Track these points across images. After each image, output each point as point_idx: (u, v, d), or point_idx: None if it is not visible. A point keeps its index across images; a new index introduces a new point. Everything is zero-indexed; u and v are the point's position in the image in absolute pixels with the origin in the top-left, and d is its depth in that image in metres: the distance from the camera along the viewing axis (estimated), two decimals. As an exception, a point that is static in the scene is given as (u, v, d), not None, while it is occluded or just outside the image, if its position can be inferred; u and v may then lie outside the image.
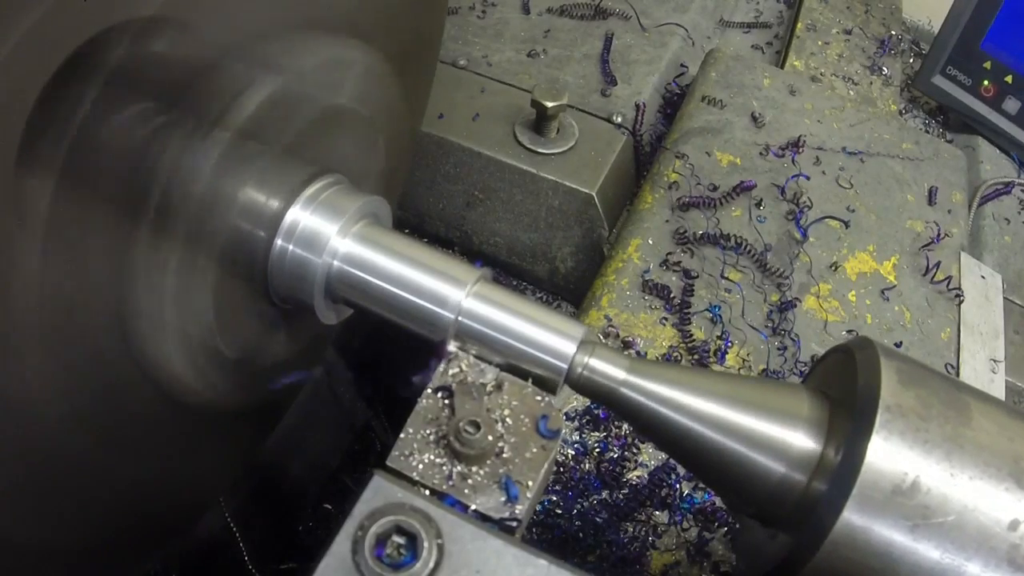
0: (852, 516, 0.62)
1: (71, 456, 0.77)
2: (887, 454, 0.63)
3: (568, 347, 0.74)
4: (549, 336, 0.75)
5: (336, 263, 0.81)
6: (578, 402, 1.13)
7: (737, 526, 1.06)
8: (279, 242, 0.82)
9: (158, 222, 0.72)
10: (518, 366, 0.75)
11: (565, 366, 0.74)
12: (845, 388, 0.71)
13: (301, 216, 0.82)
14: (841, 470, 0.64)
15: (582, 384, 0.74)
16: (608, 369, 0.73)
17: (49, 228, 0.65)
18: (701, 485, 1.09)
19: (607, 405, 0.75)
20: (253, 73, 0.78)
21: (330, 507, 1.44)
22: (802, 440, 0.69)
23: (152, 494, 0.92)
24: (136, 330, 0.76)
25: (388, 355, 1.52)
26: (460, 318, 0.76)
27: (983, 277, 1.46)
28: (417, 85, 1.24)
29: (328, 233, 0.81)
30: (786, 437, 0.69)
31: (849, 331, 1.28)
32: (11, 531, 0.74)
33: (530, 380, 0.73)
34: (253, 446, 1.20)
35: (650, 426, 0.73)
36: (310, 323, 0.96)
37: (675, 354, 1.21)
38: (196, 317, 0.80)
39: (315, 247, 0.81)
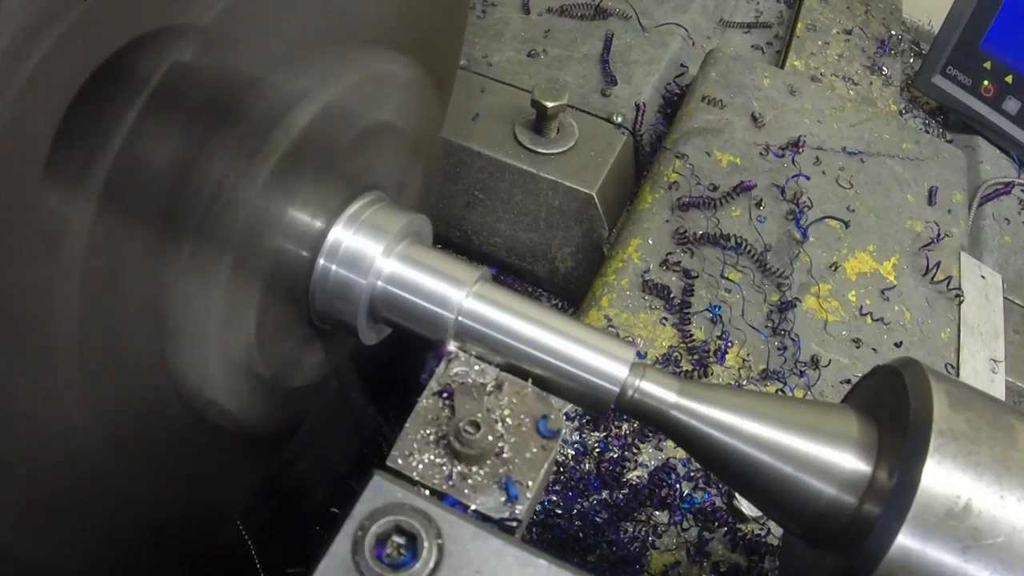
0: (906, 540, 0.63)
1: (100, 478, 0.76)
2: (941, 478, 0.63)
3: (620, 370, 0.74)
4: (601, 359, 0.74)
5: (380, 284, 0.80)
6: (578, 402, 1.13)
7: (737, 525, 1.06)
8: (322, 262, 0.81)
9: (202, 244, 0.71)
10: (519, 366, 0.75)
11: (617, 389, 0.74)
12: (893, 410, 0.71)
13: (344, 236, 0.81)
14: (895, 494, 0.65)
15: (632, 406, 0.74)
16: (659, 392, 0.74)
17: (89, 252, 0.63)
18: (701, 485, 1.09)
19: (656, 427, 0.76)
20: (299, 90, 0.76)
21: (337, 511, 1.44)
22: (852, 462, 0.70)
23: (173, 514, 0.91)
24: (176, 353, 0.75)
25: (399, 360, 1.52)
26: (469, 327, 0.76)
27: (983, 277, 1.46)
28: (443, 94, 1.24)
29: (373, 254, 0.80)
30: (836, 459, 0.70)
31: (849, 331, 1.28)
32: (30, 553, 0.72)
33: (530, 380, 0.73)
34: (272, 462, 1.20)
35: (700, 448, 0.73)
36: (344, 342, 0.95)
37: (675, 354, 1.21)
38: (238, 340, 0.79)
39: (359, 268, 0.80)
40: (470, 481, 0.66)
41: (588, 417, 1.13)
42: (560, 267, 1.55)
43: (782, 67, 1.85)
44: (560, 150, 1.47)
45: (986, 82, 1.82)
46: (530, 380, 0.73)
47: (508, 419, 0.70)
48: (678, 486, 1.08)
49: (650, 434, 1.13)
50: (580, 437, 1.12)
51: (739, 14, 2.02)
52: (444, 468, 0.66)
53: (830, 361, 1.24)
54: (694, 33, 1.80)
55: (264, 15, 0.74)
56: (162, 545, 0.94)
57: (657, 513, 1.07)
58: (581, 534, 1.05)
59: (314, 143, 0.77)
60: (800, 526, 0.74)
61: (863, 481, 0.69)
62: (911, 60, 2.10)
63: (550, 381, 0.75)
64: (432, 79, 0.99)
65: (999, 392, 1.32)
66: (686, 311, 1.25)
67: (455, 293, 0.78)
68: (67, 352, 0.66)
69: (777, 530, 1.06)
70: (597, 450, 1.11)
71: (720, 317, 1.25)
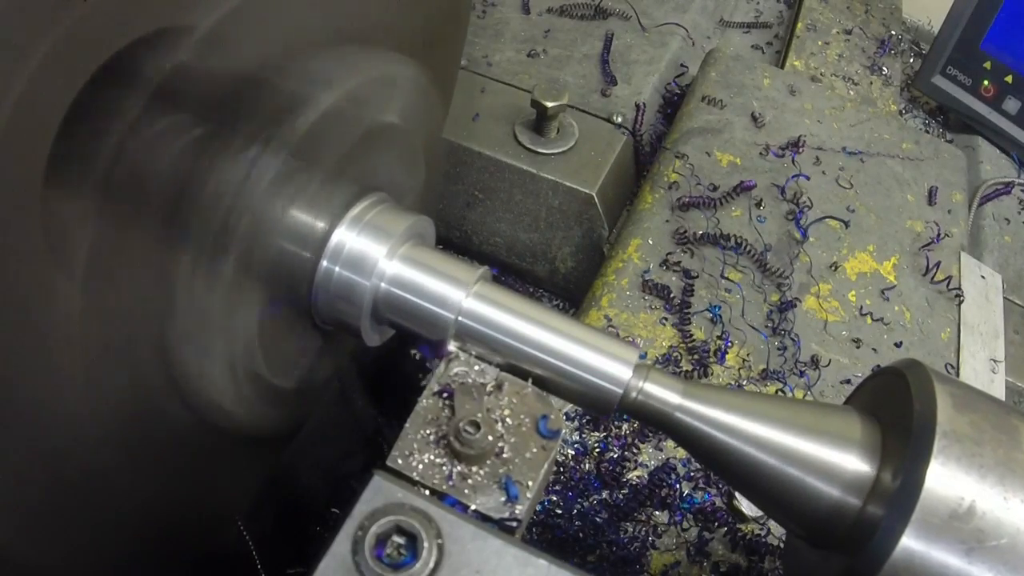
0: (910, 541, 0.63)
1: (100, 478, 0.76)
2: (945, 480, 0.64)
3: (624, 372, 0.74)
4: (603, 360, 0.74)
5: (384, 285, 0.80)
6: (578, 402, 1.13)
7: (737, 525, 1.06)
8: (325, 264, 0.81)
9: (204, 245, 0.71)
10: (519, 367, 0.75)
11: (620, 391, 0.74)
12: (896, 411, 0.71)
13: (347, 237, 0.81)
14: (900, 495, 0.65)
15: (635, 408, 0.74)
16: (663, 393, 0.74)
17: (91, 251, 0.63)
18: (701, 485, 1.09)
19: (659, 428, 0.76)
20: (304, 91, 0.76)
21: (337, 511, 1.44)
22: (856, 464, 0.70)
23: (173, 515, 0.91)
24: (178, 353, 0.75)
25: (400, 359, 1.51)
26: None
27: (983, 277, 1.46)
28: (445, 95, 1.24)
29: (376, 256, 0.80)
30: (840, 461, 0.70)
31: (849, 331, 1.28)
32: (29, 553, 0.72)
33: (530, 380, 0.73)
34: (273, 462, 1.20)
35: (703, 450, 0.74)
36: (346, 342, 0.95)
37: (675, 354, 1.21)
38: (239, 340, 0.79)
39: (363, 269, 0.80)
40: (470, 481, 0.66)
41: (588, 417, 1.13)
42: (560, 267, 1.55)
43: (782, 67, 1.85)
44: (560, 150, 1.47)
45: (986, 82, 1.81)
46: (530, 380, 0.73)
47: (508, 419, 0.70)
48: (678, 486, 1.08)
49: (650, 434, 1.13)
50: (580, 437, 1.12)
51: (739, 14, 2.02)
52: (444, 468, 0.66)
53: (830, 361, 1.24)
54: (694, 33, 1.80)
55: (266, 18, 0.74)
56: (163, 545, 0.94)
57: (657, 513, 1.07)
58: (581, 534, 1.05)
59: (317, 145, 0.77)
60: (804, 528, 0.74)
61: (867, 483, 0.69)
62: (911, 60, 2.10)
63: (551, 382, 0.75)
64: (434, 80, 0.99)
65: (999, 392, 1.32)
66: (686, 311, 1.25)
67: (455, 293, 0.78)
68: (68, 351, 0.66)
69: (777, 530, 1.06)
70: (597, 450, 1.11)
71: (720, 317, 1.25)
